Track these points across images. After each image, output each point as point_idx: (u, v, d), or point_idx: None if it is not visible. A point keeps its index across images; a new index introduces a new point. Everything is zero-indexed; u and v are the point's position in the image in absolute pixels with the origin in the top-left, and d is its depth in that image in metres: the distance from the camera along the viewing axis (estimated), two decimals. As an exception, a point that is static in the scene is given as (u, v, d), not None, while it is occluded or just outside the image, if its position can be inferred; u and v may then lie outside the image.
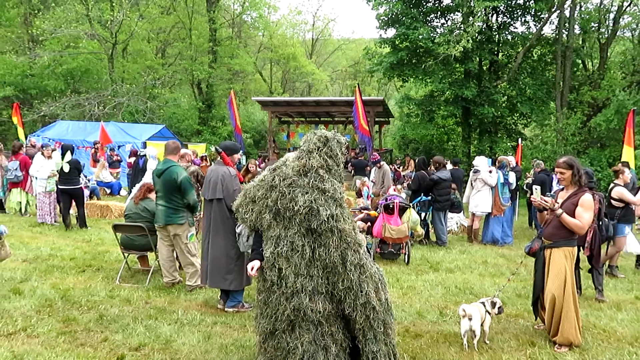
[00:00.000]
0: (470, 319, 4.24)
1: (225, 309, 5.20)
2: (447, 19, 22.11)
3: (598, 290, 6.11)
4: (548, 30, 23.43)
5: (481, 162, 9.70)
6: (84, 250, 7.75)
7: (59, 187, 9.38)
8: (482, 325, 4.38)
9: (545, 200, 4.50)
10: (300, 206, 3.24)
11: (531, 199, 4.56)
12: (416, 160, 10.15)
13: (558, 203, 4.47)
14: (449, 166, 10.99)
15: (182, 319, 4.89)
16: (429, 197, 9.16)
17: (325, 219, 3.24)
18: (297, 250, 3.26)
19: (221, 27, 30.36)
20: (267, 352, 3.42)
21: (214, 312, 5.18)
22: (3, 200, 11.13)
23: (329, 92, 42.03)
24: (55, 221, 9.80)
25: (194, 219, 6.12)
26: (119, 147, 17.03)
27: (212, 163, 6.01)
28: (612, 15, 21.21)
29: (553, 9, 19.74)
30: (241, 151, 7.72)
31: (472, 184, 9.75)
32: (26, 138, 15.33)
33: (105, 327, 4.60)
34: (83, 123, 20.50)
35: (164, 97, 27.75)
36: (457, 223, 10.78)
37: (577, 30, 20.58)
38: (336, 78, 44.27)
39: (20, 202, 10.77)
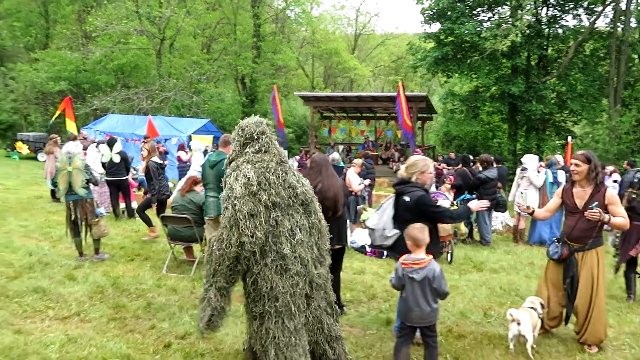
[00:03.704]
0: (519, 324, 4.13)
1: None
2: (494, 12, 21.52)
3: None
4: (601, 23, 22.45)
5: (530, 161, 9.42)
6: (132, 239, 8.02)
7: (107, 178, 9.71)
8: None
9: (595, 213, 4.15)
10: (299, 189, 3.42)
11: (588, 214, 4.19)
12: (462, 158, 9.94)
13: (597, 209, 4.18)
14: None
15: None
16: (473, 196, 8.97)
17: (309, 188, 3.52)
18: (306, 230, 3.40)
19: (265, 23, 30.66)
20: (305, 344, 3.40)
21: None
22: (56, 191, 11.63)
23: (371, 87, 41.75)
24: (107, 211, 10.16)
25: None
26: (165, 140, 17.49)
27: None
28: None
29: (607, 2, 18.89)
30: (283, 146, 7.81)
31: (518, 182, 9.50)
32: (78, 131, 15.94)
33: (153, 315, 4.75)
34: (132, 116, 21.18)
35: (209, 92, 28.31)
36: (502, 222, 10.53)
37: (633, 24, 19.59)
38: (378, 73, 43.92)
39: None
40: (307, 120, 26.76)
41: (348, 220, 8.24)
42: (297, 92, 27.12)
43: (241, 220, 3.14)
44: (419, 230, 3.71)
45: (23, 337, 4.04)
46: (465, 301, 5.67)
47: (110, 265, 6.39)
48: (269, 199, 3.23)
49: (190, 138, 17.81)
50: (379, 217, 4.39)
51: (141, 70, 28.82)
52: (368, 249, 8.00)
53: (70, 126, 14.91)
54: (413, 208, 4.16)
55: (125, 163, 9.63)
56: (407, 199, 4.21)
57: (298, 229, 3.32)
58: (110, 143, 9.66)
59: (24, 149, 23.26)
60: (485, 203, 4.38)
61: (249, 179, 3.22)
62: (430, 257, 3.68)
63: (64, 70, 26.48)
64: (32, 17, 30.40)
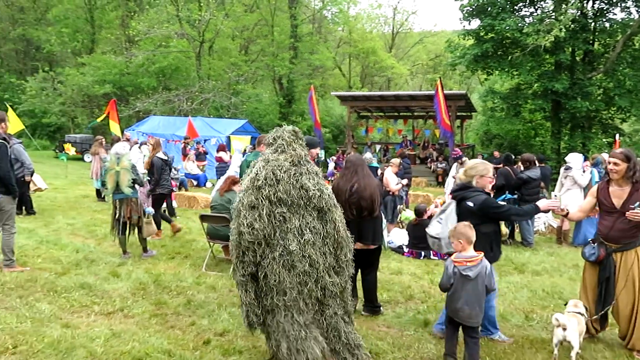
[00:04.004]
0: (564, 329, 3.99)
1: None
2: (536, 7, 20.92)
3: None
4: (653, 16, 21.45)
5: (575, 159, 9.10)
6: (173, 238, 8.22)
7: (148, 178, 9.97)
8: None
9: (637, 213, 4.01)
10: (313, 191, 3.39)
11: (630, 215, 4.05)
12: (504, 157, 9.69)
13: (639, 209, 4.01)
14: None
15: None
16: (515, 196, 8.74)
17: (329, 195, 3.49)
18: (319, 233, 3.40)
19: (302, 23, 30.84)
20: (315, 341, 3.42)
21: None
22: (101, 190, 12.03)
23: (409, 86, 41.29)
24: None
25: None
26: (204, 141, 17.84)
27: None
28: None
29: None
30: (320, 146, 7.82)
31: (562, 182, 9.20)
32: (122, 132, 16.45)
33: (193, 312, 4.85)
34: (173, 118, 21.71)
35: (247, 93, 28.70)
36: (544, 223, 10.21)
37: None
38: (416, 72, 43.42)
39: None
40: (344, 120, 26.74)
41: (385, 220, 8.18)
42: (334, 92, 27.15)
43: (242, 211, 3.37)
44: (468, 228, 3.77)
45: (70, 330, 4.20)
46: (506, 303, 5.54)
47: (152, 263, 6.56)
48: (274, 195, 3.33)
49: (229, 138, 18.10)
50: (442, 225, 4.33)
51: (181, 73, 29.50)
52: (405, 250, 7.92)
53: (114, 128, 15.38)
54: (477, 212, 4.14)
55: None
56: (470, 204, 4.19)
57: (308, 229, 3.36)
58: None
59: (71, 150, 24.20)
60: (555, 202, 4.28)
61: (256, 174, 3.41)
62: (482, 254, 3.74)
63: (108, 74, 27.40)
64: (79, 23, 31.59)
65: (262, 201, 3.33)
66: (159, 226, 8.13)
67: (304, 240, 3.32)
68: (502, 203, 4.48)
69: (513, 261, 7.63)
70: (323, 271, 3.37)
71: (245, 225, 3.32)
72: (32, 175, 9.59)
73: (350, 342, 3.50)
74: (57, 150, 25.52)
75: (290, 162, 3.45)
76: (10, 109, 14.68)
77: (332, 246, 3.44)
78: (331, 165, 19.04)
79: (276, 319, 3.38)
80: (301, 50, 30.10)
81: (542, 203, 4.26)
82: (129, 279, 5.77)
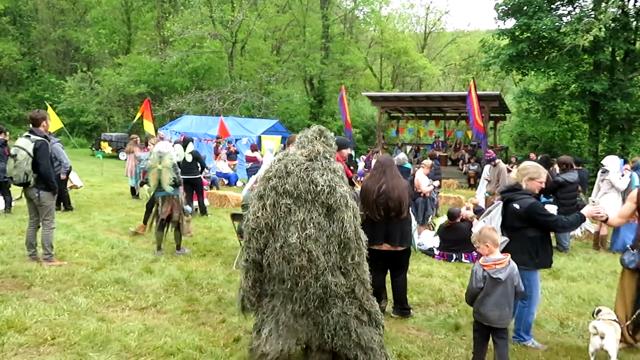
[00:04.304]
0: (602, 337, 3.86)
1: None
2: (575, 6, 20.33)
3: None
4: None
5: (611, 162, 8.82)
6: (204, 236, 8.34)
7: (181, 177, 10.12)
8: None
9: None
10: (322, 187, 3.35)
11: None
12: (539, 159, 9.45)
13: None
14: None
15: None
16: (550, 199, 8.53)
17: (342, 195, 3.39)
18: (324, 230, 3.35)
19: (334, 24, 30.85)
20: (299, 332, 3.45)
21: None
22: (136, 188, 12.30)
23: (441, 86, 40.80)
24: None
25: None
26: (236, 140, 18.04)
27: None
28: None
29: None
30: (350, 146, 7.79)
31: (599, 185, 8.92)
32: (156, 131, 16.77)
33: (224, 309, 4.90)
34: (205, 117, 22.04)
35: (278, 93, 28.90)
36: (581, 228, 9.89)
37: None
38: (448, 72, 42.87)
39: (150, 190, 11.82)
40: (375, 121, 26.62)
41: (415, 222, 8.11)
42: (364, 92, 27.05)
43: (253, 200, 3.52)
44: (493, 231, 3.76)
45: (106, 324, 4.30)
46: (540, 309, 5.39)
47: (184, 260, 6.67)
48: (282, 186, 3.38)
49: (259, 138, 18.25)
50: (486, 224, 4.32)
51: (214, 73, 29.92)
52: (436, 252, 7.83)
53: (148, 127, 15.68)
54: (523, 215, 4.08)
55: (198, 162, 9.99)
56: (516, 206, 4.13)
57: (312, 224, 3.32)
58: (185, 143, 10.08)
59: (107, 148, 24.84)
60: (598, 209, 4.19)
61: (271, 166, 3.54)
62: (509, 255, 3.72)
63: (143, 74, 28.04)
64: (115, 24, 32.43)
65: (268, 192, 3.42)
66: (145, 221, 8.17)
67: (305, 234, 3.29)
68: (551, 212, 4.36)
69: (547, 266, 7.44)
70: (325, 270, 3.32)
71: (251, 212, 3.46)
72: (69, 173, 9.88)
73: (362, 342, 3.44)
74: (93, 148, 26.26)
75: (305, 157, 3.48)
76: (50, 108, 15.19)
77: (337, 246, 3.38)
78: (361, 165, 18.98)
79: (272, 303, 3.48)
80: (332, 51, 30.12)
81: (585, 210, 4.16)
82: (161, 275, 5.88)
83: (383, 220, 4.74)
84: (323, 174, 3.42)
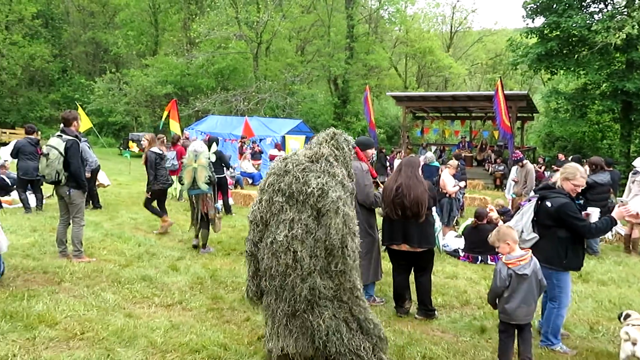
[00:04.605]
0: (634, 344, 3.75)
1: (358, 302, 5.26)
2: (607, 3, 19.82)
3: None
4: None
5: (644, 164, 8.58)
6: (229, 234, 8.40)
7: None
8: None
9: None
10: (313, 189, 3.34)
11: None
12: (570, 160, 9.22)
13: None
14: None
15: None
16: (580, 201, 8.32)
17: (333, 200, 3.33)
18: (311, 232, 3.34)
19: (358, 23, 30.78)
20: (292, 333, 3.43)
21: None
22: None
23: (467, 86, 40.30)
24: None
25: None
26: (260, 140, 18.13)
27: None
28: None
29: None
30: (374, 147, 7.75)
31: (630, 187, 8.67)
32: (182, 131, 17.00)
33: (247, 308, 4.91)
34: (230, 117, 22.22)
35: (302, 93, 28.98)
36: (612, 231, 9.67)
37: None
38: (475, 72, 42.31)
39: (176, 189, 11.98)
40: (399, 121, 26.46)
41: (440, 223, 8.02)
42: (389, 92, 26.91)
43: (257, 197, 3.64)
44: (510, 229, 3.85)
45: (133, 320, 4.38)
46: (569, 314, 5.27)
47: (209, 259, 6.74)
48: (277, 184, 3.46)
49: (284, 138, 18.31)
50: (518, 219, 4.36)
51: (239, 73, 30.18)
52: (461, 254, 7.73)
53: (174, 127, 15.90)
54: (554, 214, 4.09)
55: (222, 161, 10.05)
56: (548, 204, 4.13)
57: (300, 224, 3.33)
58: (209, 143, 10.17)
59: (134, 148, 25.28)
60: (628, 209, 4.10)
61: (275, 162, 3.64)
62: (530, 251, 3.78)
63: (170, 75, 28.47)
64: (143, 26, 33.02)
65: (266, 188, 3.53)
66: (159, 214, 8.32)
67: (292, 234, 3.31)
68: (593, 215, 4.28)
69: (577, 269, 7.27)
70: (313, 272, 3.31)
71: (253, 205, 3.60)
72: (96, 173, 10.08)
73: (352, 348, 3.39)
74: (121, 148, 26.76)
75: (307, 158, 3.53)
76: (80, 108, 15.54)
77: (324, 250, 3.34)
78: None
79: (266, 301, 3.55)
80: (357, 51, 30.06)
81: (615, 213, 4.08)
82: (187, 273, 5.95)
83: (400, 219, 4.76)
84: (319, 177, 3.41)
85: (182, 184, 7.14)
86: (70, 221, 6.15)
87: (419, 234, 4.78)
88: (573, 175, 4.20)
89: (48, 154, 5.82)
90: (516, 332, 3.80)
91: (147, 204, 8.37)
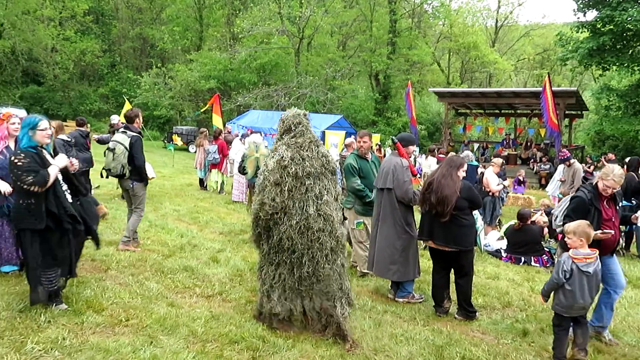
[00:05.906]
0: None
1: (396, 299, 5.23)
2: (665, -5, 18.86)
3: None
4: None
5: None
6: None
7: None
8: None
9: None
10: (329, 156, 4.19)
11: None
12: (628, 161, 8.77)
13: None
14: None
15: (354, 303, 5.05)
16: (632, 203, 7.97)
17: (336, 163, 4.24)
18: (332, 194, 4.12)
19: (401, 18, 30.41)
20: (305, 291, 4.13)
21: (385, 300, 5.25)
22: (204, 180, 12.74)
23: (512, 82, 39.17)
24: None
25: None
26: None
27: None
28: None
29: None
30: (415, 143, 7.65)
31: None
32: (224, 125, 17.27)
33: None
34: (271, 112, 22.43)
35: (343, 89, 28.90)
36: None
37: None
38: (521, 67, 41.08)
39: (217, 182, 12.22)
40: (441, 117, 26.03)
41: (482, 222, 7.85)
42: (431, 88, 26.49)
43: (267, 187, 4.01)
44: (589, 226, 3.94)
45: (175, 309, 4.49)
46: (618, 320, 5.08)
47: (248, 251, 6.83)
48: (303, 171, 3.95)
49: (323, 133, 18.35)
50: (559, 205, 4.77)
51: (280, 69, 30.36)
52: (503, 254, 7.55)
53: (217, 121, 16.18)
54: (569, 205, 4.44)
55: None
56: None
57: (326, 191, 4.02)
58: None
59: (178, 141, 25.88)
60: None
61: (282, 157, 4.01)
62: (597, 251, 3.91)
63: (213, 70, 28.92)
64: (188, 22, 33.67)
65: (285, 178, 3.95)
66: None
67: (322, 201, 3.96)
68: (581, 215, 4.35)
69: (627, 274, 6.95)
70: (338, 223, 4.06)
71: (269, 198, 3.96)
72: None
73: (344, 288, 4.27)
74: (165, 141, 27.42)
75: (310, 141, 4.11)
76: (127, 102, 16.02)
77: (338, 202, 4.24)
78: (422, 161, 18.61)
79: (279, 271, 4.10)
80: (399, 46, 29.72)
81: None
82: (227, 265, 6.06)
83: (429, 214, 4.81)
84: (323, 147, 4.21)
85: (246, 173, 7.77)
86: (130, 210, 6.39)
87: (444, 232, 4.71)
88: (606, 175, 4.23)
89: (114, 148, 6.04)
90: (571, 324, 3.98)
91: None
